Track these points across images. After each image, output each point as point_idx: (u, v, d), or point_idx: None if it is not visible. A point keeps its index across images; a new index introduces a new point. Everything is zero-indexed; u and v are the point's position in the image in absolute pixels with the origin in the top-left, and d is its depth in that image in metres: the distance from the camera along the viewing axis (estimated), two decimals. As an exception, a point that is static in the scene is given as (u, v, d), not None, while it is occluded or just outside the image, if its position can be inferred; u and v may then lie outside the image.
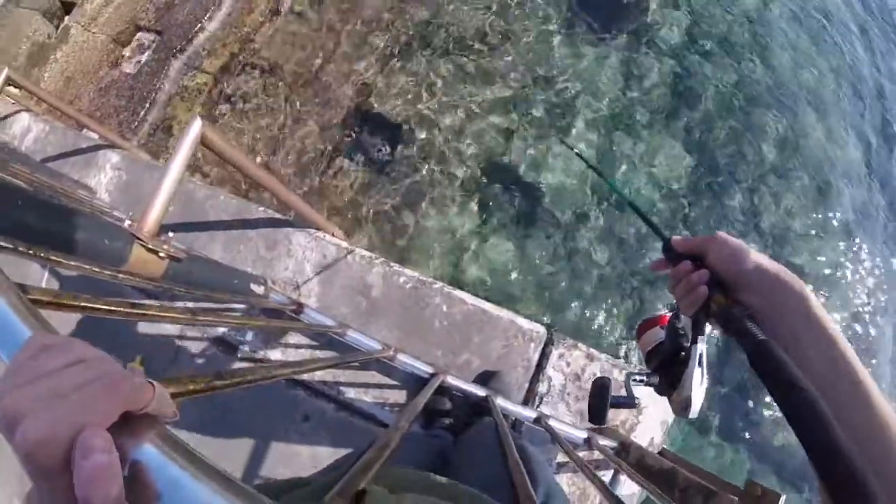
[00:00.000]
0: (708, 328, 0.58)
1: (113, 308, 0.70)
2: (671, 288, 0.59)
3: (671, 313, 0.68)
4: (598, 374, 1.56)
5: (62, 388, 0.27)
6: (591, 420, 0.72)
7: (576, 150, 1.10)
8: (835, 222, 3.39)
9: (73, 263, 0.84)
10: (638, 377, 0.68)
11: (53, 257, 0.80)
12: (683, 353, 0.61)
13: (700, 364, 0.59)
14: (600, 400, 0.71)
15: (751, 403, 2.91)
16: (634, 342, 2.80)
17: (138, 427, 0.29)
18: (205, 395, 0.57)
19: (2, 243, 0.70)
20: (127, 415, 0.29)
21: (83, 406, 0.26)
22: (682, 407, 0.61)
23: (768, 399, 2.93)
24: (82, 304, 0.65)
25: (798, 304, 0.47)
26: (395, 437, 0.63)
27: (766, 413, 2.90)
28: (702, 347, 0.59)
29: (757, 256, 0.52)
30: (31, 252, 0.75)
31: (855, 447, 0.34)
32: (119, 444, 0.27)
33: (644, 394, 1.67)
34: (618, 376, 1.55)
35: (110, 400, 0.28)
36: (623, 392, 0.71)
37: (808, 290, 0.48)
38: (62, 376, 0.28)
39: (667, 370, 0.64)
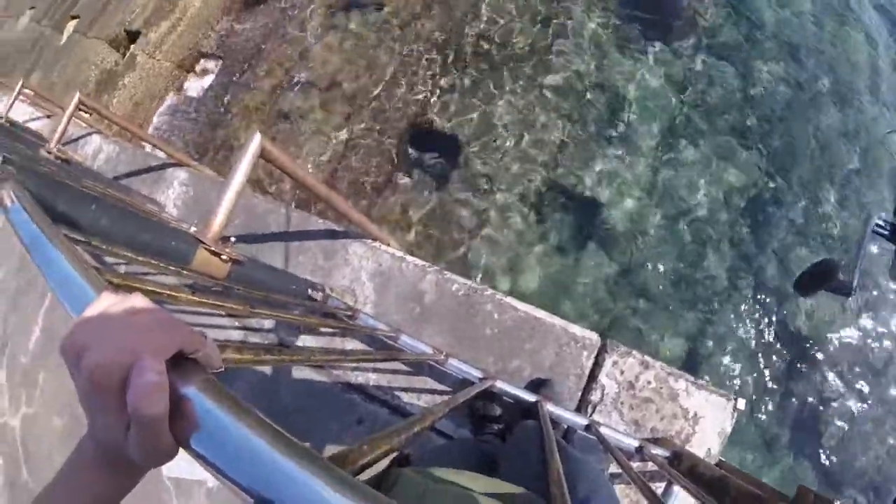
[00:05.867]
0: None
1: (175, 294, 0.78)
2: None
3: None
4: (653, 382, 1.54)
5: (125, 327, 0.32)
6: (795, 288, 0.62)
7: None
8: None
9: (141, 259, 0.92)
10: (883, 225, 0.54)
11: (124, 252, 0.89)
12: None
13: None
14: (816, 277, 0.59)
15: (820, 411, 2.76)
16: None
17: (188, 369, 0.34)
18: (252, 365, 0.62)
19: (79, 237, 0.79)
20: (179, 359, 0.34)
21: (142, 338, 0.31)
22: None
23: (841, 413, 2.77)
24: (148, 287, 0.73)
25: None
26: (428, 419, 0.66)
27: (836, 428, 2.74)
28: None
29: None
30: (104, 247, 0.84)
31: None
32: (170, 378, 0.31)
33: (700, 403, 1.62)
34: (673, 384, 1.52)
35: (167, 337, 0.33)
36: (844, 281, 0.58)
37: None
38: (125, 319, 0.33)
39: None
